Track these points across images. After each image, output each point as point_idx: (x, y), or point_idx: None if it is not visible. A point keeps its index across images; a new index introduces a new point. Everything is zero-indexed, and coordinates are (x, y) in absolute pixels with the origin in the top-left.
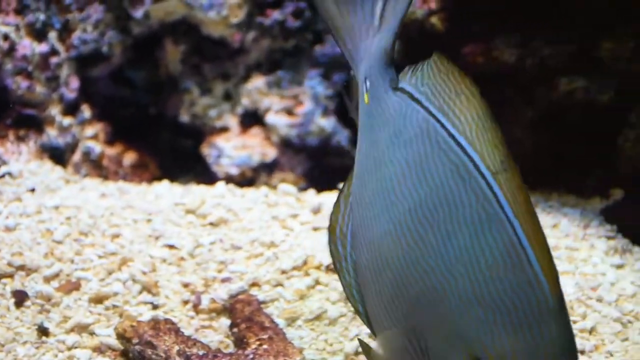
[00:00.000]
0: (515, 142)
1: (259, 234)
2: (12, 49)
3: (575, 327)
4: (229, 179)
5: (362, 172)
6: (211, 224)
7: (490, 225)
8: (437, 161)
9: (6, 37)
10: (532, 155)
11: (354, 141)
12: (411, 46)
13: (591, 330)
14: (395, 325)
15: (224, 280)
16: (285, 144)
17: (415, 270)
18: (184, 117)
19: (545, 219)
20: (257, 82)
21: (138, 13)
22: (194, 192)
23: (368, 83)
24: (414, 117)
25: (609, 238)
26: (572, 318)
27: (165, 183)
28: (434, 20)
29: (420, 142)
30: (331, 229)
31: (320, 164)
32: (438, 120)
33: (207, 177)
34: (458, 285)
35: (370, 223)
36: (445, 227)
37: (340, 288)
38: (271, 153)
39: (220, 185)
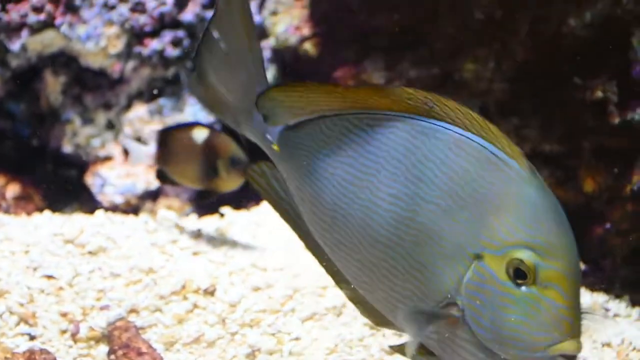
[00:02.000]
0: None
1: (138, 260)
2: None
3: None
4: (114, 208)
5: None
6: (90, 252)
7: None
8: (376, 134)
9: None
10: None
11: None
12: (286, 71)
13: None
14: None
15: (102, 308)
16: None
17: (403, 219)
18: (67, 148)
19: None
20: (139, 110)
21: (15, 46)
22: (74, 222)
23: (268, 136)
24: (332, 125)
25: None
26: None
27: (46, 213)
28: (307, 46)
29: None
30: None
31: (205, 190)
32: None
33: (91, 206)
34: (442, 206)
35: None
36: (406, 174)
37: (218, 311)
38: (155, 180)
39: (100, 213)
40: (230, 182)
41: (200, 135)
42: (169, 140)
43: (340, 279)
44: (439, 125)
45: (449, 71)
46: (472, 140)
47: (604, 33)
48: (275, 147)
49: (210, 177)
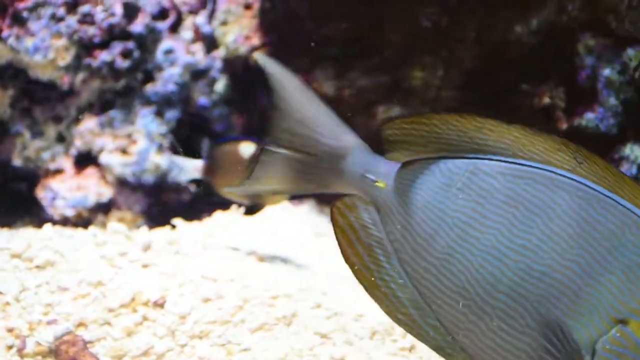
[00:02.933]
0: None
1: (87, 274)
2: None
3: (395, 347)
4: (65, 221)
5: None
6: (38, 266)
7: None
8: (511, 185)
9: None
10: None
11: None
12: (237, 81)
13: (411, 348)
14: (520, 337)
15: (49, 323)
16: (121, 183)
17: (533, 272)
18: (17, 161)
19: None
20: (89, 123)
21: None
22: (22, 236)
23: (371, 175)
24: (456, 167)
25: None
26: (392, 337)
27: None
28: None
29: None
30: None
31: (157, 201)
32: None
33: (42, 220)
34: (583, 265)
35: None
36: (542, 227)
37: (168, 323)
38: (107, 193)
39: (48, 227)
40: (275, 198)
41: (247, 149)
42: (217, 154)
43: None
44: (585, 184)
45: (398, 79)
46: (620, 204)
47: (550, 40)
48: (381, 184)
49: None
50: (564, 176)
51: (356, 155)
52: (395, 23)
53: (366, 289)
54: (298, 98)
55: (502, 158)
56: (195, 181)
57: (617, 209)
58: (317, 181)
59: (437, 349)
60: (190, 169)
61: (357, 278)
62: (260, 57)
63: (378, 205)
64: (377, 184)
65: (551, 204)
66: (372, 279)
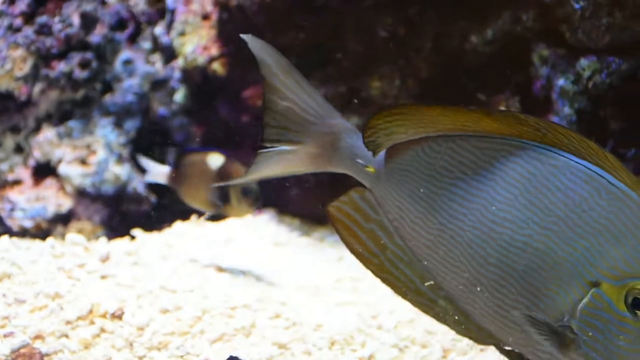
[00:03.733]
0: (301, 181)
1: (44, 286)
2: None
3: (354, 356)
4: (24, 232)
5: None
6: None
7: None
8: (487, 158)
9: None
10: (313, 193)
11: (150, 187)
12: (196, 91)
13: (370, 358)
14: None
15: (6, 335)
16: (81, 194)
17: (516, 243)
18: None
19: (330, 252)
20: (48, 133)
21: None
22: None
23: (359, 160)
24: (440, 148)
25: None
26: (351, 347)
27: None
28: (216, 66)
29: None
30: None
31: (117, 212)
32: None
33: (1, 231)
34: (558, 232)
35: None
36: (520, 199)
37: (126, 334)
38: (66, 203)
39: (4, 239)
40: (240, 210)
41: (215, 161)
42: (184, 163)
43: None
44: (554, 152)
45: (356, 89)
46: (589, 168)
47: (505, 50)
48: (370, 169)
49: (221, 203)
50: (535, 146)
51: (345, 140)
52: (352, 33)
53: (375, 274)
54: (287, 82)
55: (475, 133)
56: (156, 187)
57: (586, 174)
58: (309, 166)
59: (455, 325)
60: (156, 173)
61: (365, 265)
62: (248, 39)
63: (371, 188)
64: (367, 168)
65: (526, 174)
66: (379, 262)
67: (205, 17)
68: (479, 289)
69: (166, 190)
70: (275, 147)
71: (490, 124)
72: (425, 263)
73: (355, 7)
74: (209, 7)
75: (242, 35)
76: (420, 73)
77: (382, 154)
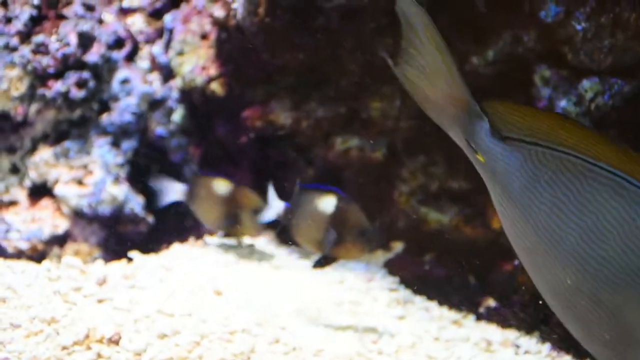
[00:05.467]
0: None
1: (40, 310)
2: None
3: None
4: (19, 254)
5: (517, 219)
6: None
7: None
8: (591, 189)
9: None
10: None
11: (147, 208)
12: (194, 111)
13: None
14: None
15: None
16: (77, 215)
17: (612, 283)
18: None
19: (332, 275)
20: (44, 153)
21: None
22: None
23: (472, 144)
24: (547, 159)
25: (391, 290)
26: None
27: None
28: (214, 86)
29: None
30: None
31: (114, 233)
32: (569, 154)
33: None
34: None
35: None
36: (618, 241)
37: None
38: (63, 224)
39: (0, 262)
40: (251, 230)
41: (225, 187)
42: (198, 183)
43: None
44: None
45: (356, 109)
46: None
47: (506, 71)
48: (480, 158)
49: (231, 224)
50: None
51: (465, 120)
52: (352, 53)
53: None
54: (429, 43)
55: (584, 157)
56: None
57: None
58: (437, 118)
59: None
60: (175, 190)
61: None
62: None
63: (479, 170)
64: (477, 156)
65: (627, 217)
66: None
67: (204, 36)
68: (567, 309)
69: (164, 211)
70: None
71: (604, 151)
72: (522, 260)
73: (354, 28)
74: (208, 27)
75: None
76: None
77: (495, 146)
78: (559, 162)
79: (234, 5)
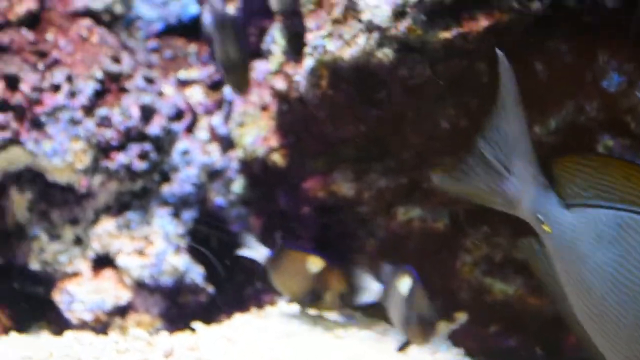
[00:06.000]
0: None
1: None
2: None
3: None
4: (83, 325)
5: (578, 286)
6: None
7: None
8: None
9: None
10: None
11: (208, 278)
12: (255, 182)
13: None
14: None
15: None
16: (139, 285)
17: None
18: (34, 265)
19: (395, 346)
20: (107, 225)
21: None
22: (42, 344)
23: (540, 216)
24: (608, 219)
25: None
26: None
27: (12, 335)
28: (275, 157)
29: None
30: None
31: (175, 304)
32: (632, 211)
33: (60, 324)
34: None
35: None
36: None
37: None
38: (125, 295)
39: (69, 334)
40: (332, 308)
41: (315, 266)
42: (285, 255)
43: None
44: None
45: (418, 180)
46: None
47: (569, 140)
48: (546, 229)
49: (313, 300)
50: None
51: (532, 192)
52: (414, 124)
53: None
54: (511, 110)
55: None
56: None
57: None
58: (498, 200)
59: None
60: (260, 253)
61: None
62: (501, 57)
63: (545, 242)
64: (544, 226)
65: None
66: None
67: (264, 108)
68: None
69: (224, 280)
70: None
71: None
72: (589, 331)
73: (416, 99)
74: (268, 99)
75: (497, 51)
76: None
77: (562, 216)
78: (621, 221)
79: (296, 78)
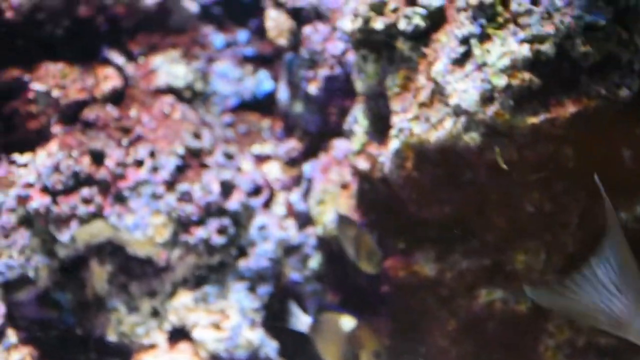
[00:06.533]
0: (439, 352)
1: None
2: None
3: None
4: None
5: None
6: None
7: None
8: None
9: None
10: None
11: (282, 353)
12: (333, 259)
13: None
14: None
15: None
16: (214, 358)
17: None
18: (111, 336)
19: None
20: (184, 298)
21: (64, 237)
22: None
23: None
24: None
25: None
26: None
27: None
28: None
29: None
30: None
31: None
32: None
33: None
34: None
35: None
36: None
37: None
38: None
39: None
40: None
41: (348, 324)
42: (322, 320)
43: None
44: None
45: (500, 262)
46: None
47: None
48: None
49: None
50: None
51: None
52: (498, 207)
53: None
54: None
55: None
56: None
57: None
58: (603, 319)
59: None
60: (302, 322)
61: None
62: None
63: None
64: None
65: None
66: None
67: (344, 186)
68: None
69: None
70: None
71: None
72: None
73: (501, 182)
74: (348, 177)
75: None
76: (567, 248)
77: None
78: None
79: (381, 159)
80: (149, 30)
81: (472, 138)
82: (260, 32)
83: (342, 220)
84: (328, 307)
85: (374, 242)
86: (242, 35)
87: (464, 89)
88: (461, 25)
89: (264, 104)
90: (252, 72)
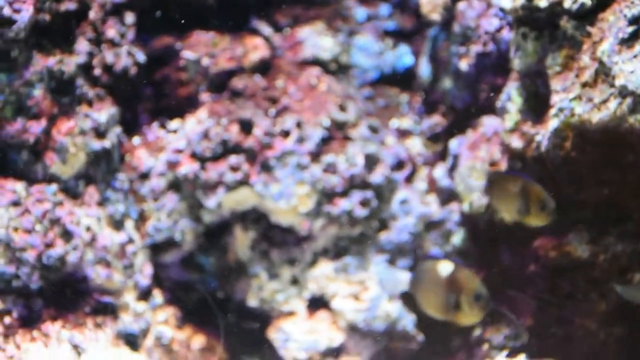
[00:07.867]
0: (587, 334)
1: None
2: (93, 239)
3: None
4: None
5: None
6: None
7: None
8: None
9: (88, 228)
10: (604, 348)
11: (418, 325)
12: (477, 236)
13: None
14: None
15: None
16: (352, 329)
17: None
18: (252, 302)
19: None
20: (324, 267)
21: (211, 202)
22: None
23: None
24: None
25: None
26: None
27: None
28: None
29: None
30: None
31: (386, 349)
32: None
33: None
34: None
35: None
36: None
37: None
38: (338, 338)
39: None
40: (471, 317)
41: (445, 269)
42: (418, 271)
43: None
44: None
45: None
46: None
47: None
48: None
49: (452, 310)
50: None
51: None
52: None
53: None
54: None
55: None
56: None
57: None
58: None
59: None
60: (401, 281)
61: None
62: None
63: None
64: None
65: None
66: None
67: (493, 164)
68: None
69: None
70: None
71: None
72: None
73: None
74: (497, 155)
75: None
76: None
77: None
78: None
79: (537, 138)
80: (293, 2)
81: (638, 120)
82: (401, 7)
83: (499, 177)
84: (425, 257)
85: (544, 190)
86: (383, 9)
87: (632, 70)
88: (631, 4)
89: (403, 79)
90: (392, 46)
